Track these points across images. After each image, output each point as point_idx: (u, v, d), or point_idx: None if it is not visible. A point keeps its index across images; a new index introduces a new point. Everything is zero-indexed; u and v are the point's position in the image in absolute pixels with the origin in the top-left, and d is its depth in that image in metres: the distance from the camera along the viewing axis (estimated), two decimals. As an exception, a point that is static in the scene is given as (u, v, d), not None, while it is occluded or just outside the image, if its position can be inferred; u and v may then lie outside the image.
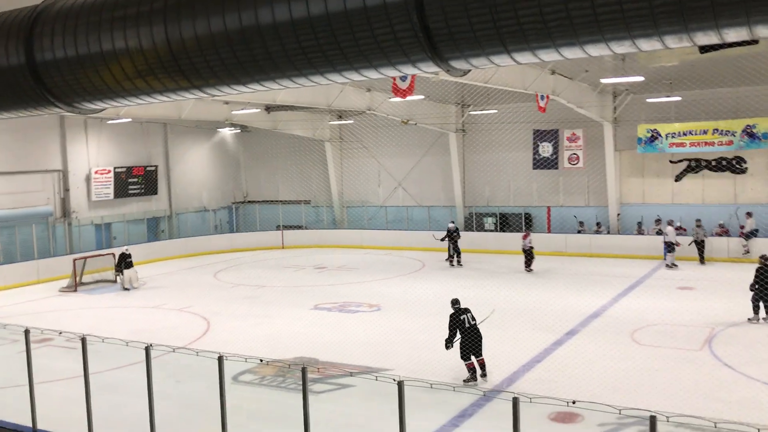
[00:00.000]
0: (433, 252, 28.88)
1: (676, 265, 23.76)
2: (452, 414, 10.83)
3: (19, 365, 10.66)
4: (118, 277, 23.99)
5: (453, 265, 26.18)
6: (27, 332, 9.72)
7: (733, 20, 4.07)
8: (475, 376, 12.47)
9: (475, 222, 30.82)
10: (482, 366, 12.56)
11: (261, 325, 17.74)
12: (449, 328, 12.56)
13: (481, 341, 12.51)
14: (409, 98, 21.71)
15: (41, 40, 6.49)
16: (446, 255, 26.71)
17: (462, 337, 12.48)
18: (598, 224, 28.41)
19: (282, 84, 5.76)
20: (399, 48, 4.86)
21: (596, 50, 4.43)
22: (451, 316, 12.65)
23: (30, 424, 9.72)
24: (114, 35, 5.96)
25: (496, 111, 28.98)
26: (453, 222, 28.02)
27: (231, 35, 5.39)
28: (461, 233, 27.27)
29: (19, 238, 26.25)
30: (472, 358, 12.46)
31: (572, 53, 4.47)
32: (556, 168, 29.08)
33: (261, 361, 8.74)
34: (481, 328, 12.69)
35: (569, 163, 28.70)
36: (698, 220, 24.82)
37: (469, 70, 5.15)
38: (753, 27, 4.10)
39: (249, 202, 37.08)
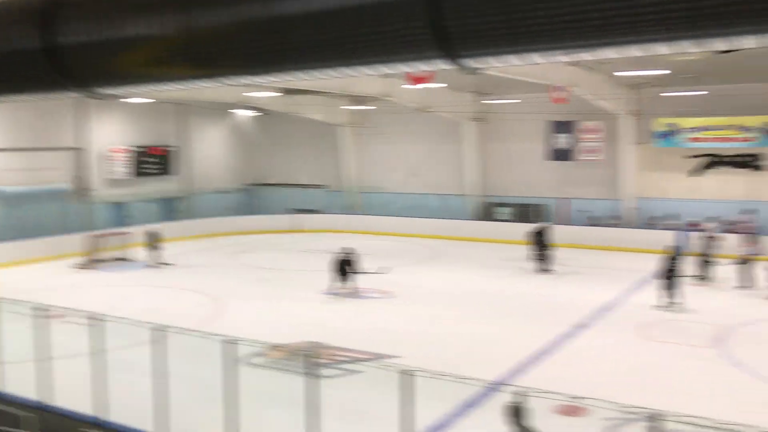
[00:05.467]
0: (450, 240, 28.89)
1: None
2: (457, 403, 10.90)
3: (33, 341, 10.84)
4: (147, 255, 24.13)
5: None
6: (40, 308, 9.88)
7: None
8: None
9: (484, 211, 30.91)
10: (356, 290, 18.70)
11: (273, 308, 17.89)
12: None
13: (347, 276, 18.60)
14: (423, 86, 21.69)
15: (59, 25, 6.54)
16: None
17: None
18: (613, 217, 28.26)
19: (295, 76, 5.80)
20: (411, 45, 4.86)
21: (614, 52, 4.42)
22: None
23: (42, 399, 9.89)
24: (135, 21, 6.00)
25: (520, 101, 28.71)
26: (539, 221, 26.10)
27: (246, 26, 5.43)
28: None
29: (36, 215, 26.54)
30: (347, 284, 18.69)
31: (591, 55, 4.46)
32: (572, 159, 28.93)
33: (271, 345, 8.84)
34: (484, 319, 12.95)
35: (585, 154, 28.54)
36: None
37: (482, 68, 5.16)
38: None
39: (265, 184, 37.21)
